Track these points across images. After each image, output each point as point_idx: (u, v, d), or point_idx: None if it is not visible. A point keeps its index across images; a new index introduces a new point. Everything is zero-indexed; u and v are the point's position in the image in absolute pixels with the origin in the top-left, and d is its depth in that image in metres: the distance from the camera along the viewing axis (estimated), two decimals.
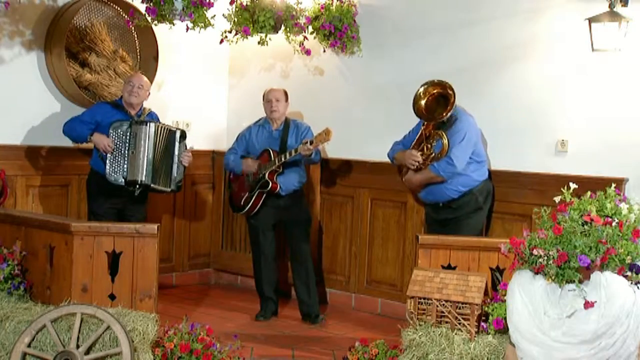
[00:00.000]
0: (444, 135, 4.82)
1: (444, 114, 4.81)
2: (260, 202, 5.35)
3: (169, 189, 5.32)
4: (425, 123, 4.93)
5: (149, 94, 5.41)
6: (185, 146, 5.36)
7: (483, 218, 4.98)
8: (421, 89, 4.93)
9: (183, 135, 5.34)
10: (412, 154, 4.95)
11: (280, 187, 5.30)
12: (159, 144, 5.22)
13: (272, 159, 5.29)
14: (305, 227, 5.49)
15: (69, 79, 5.50)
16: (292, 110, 5.59)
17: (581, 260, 3.24)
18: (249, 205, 5.36)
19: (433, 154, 4.88)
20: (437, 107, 4.88)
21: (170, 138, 5.28)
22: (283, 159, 5.22)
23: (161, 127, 5.25)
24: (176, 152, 5.29)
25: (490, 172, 5.05)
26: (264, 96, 5.48)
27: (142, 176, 5.15)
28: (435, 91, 4.90)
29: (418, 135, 4.99)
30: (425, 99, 4.91)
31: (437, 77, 4.98)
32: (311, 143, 5.12)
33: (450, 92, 4.82)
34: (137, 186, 5.18)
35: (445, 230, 4.81)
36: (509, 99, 5.16)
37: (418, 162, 4.91)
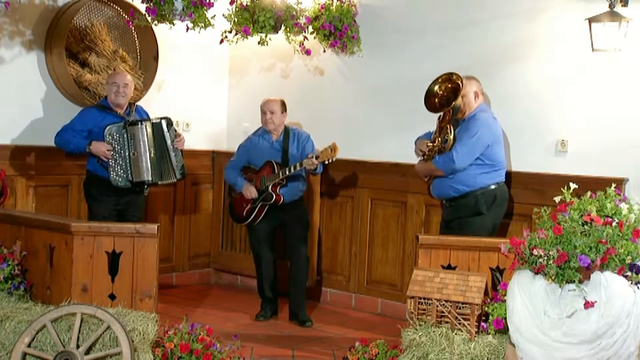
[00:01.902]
0: (451, 130, 4.74)
1: (450, 106, 4.71)
2: (263, 213, 5.37)
3: (175, 180, 5.32)
4: (441, 115, 4.84)
5: (133, 90, 5.38)
6: (175, 131, 5.34)
7: (487, 224, 4.76)
8: (435, 87, 4.83)
9: (169, 123, 5.30)
10: (421, 142, 4.92)
11: (282, 197, 5.32)
12: (156, 139, 5.21)
13: (276, 172, 5.28)
14: (303, 229, 5.50)
15: (69, 79, 5.50)
16: (291, 112, 5.58)
17: (581, 260, 3.23)
18: (252, 216, 5.38)
19: (439, 147, 4.80)
20: (448, 100, 4.78)
21: (160, 130, 5.25)
22: (287, 172, 5.22)
23: (152, 124, 5.22)
24: (169, 142, 5.26)
25: (506, 179, 4.90)
26: (261, 106, 5.47)
27: (149, 176, 5.16)
28: (449, 86, 4.79)
29: (436, 127, 4.91)
30: (440, 96, 4.82)
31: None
32: (317, 158, 5.11)
33: (459, 82, 4.72)
34: (146, 186, 5.19)
35: (451, 232, 4.75)
36: (509, 99, 5.16)
37: (423, 151, 4.88)
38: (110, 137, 5.11)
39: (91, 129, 5.14)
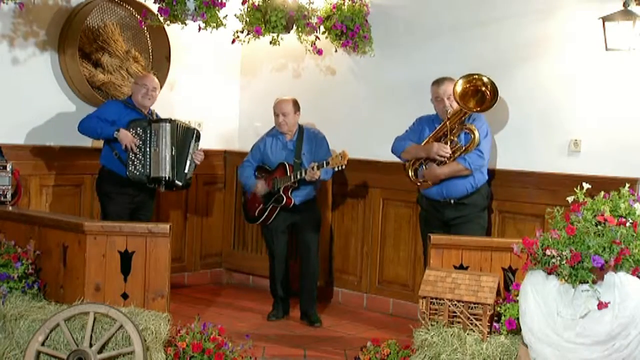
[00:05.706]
0: (474, 129, 4.75)
1: (479, 109, 4.73)
2: (274, 215, 5.37)
3: (180, 184, 5.32)
4: (449, 117, 4.80)
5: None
6: (198, 146, 5.39)
7: (487, 218, 4.99)
8: (475, 75, 4.78)
9: (198, 136, 5.38)
10: (441, 146, 4.79)
11: (294, 200, 5.32)
12: (178, 141, 5.25)
13: (288, 174, 5.29)
14: (315, 230, 5.50)
15: (82, 79, 5.53)
16: (303, 112, 5.57)
17: (595, 261, 3.21)
18: (263, 217, 5.40)
19: (459, 147, 4.79)
20: (470, 99, 4.77)
21: (187, 135, 5.32)
22: (299, 176, 5.21)
23: (179, 125, 5.29)
24: (190, 150, 5.31)
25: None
26: (273, 108, 5.45)
27: (166, 172, 5.18)
28: (477, 83, 4.78)
29: (438, 128, 4.86)
30: (466, 86, 4.78)
31: (449, 76, 4.92)
32: (327, 164, 5.11)
33: (488, 93, 4.74)
34: (163, 182, 5.21)
35: (450, 231, 4.76)
36: (522, 99, 5.14)
37: (448, 154, 4.78)
38: (134, 131, 5.15)
39: (115, 120, 5.17)
